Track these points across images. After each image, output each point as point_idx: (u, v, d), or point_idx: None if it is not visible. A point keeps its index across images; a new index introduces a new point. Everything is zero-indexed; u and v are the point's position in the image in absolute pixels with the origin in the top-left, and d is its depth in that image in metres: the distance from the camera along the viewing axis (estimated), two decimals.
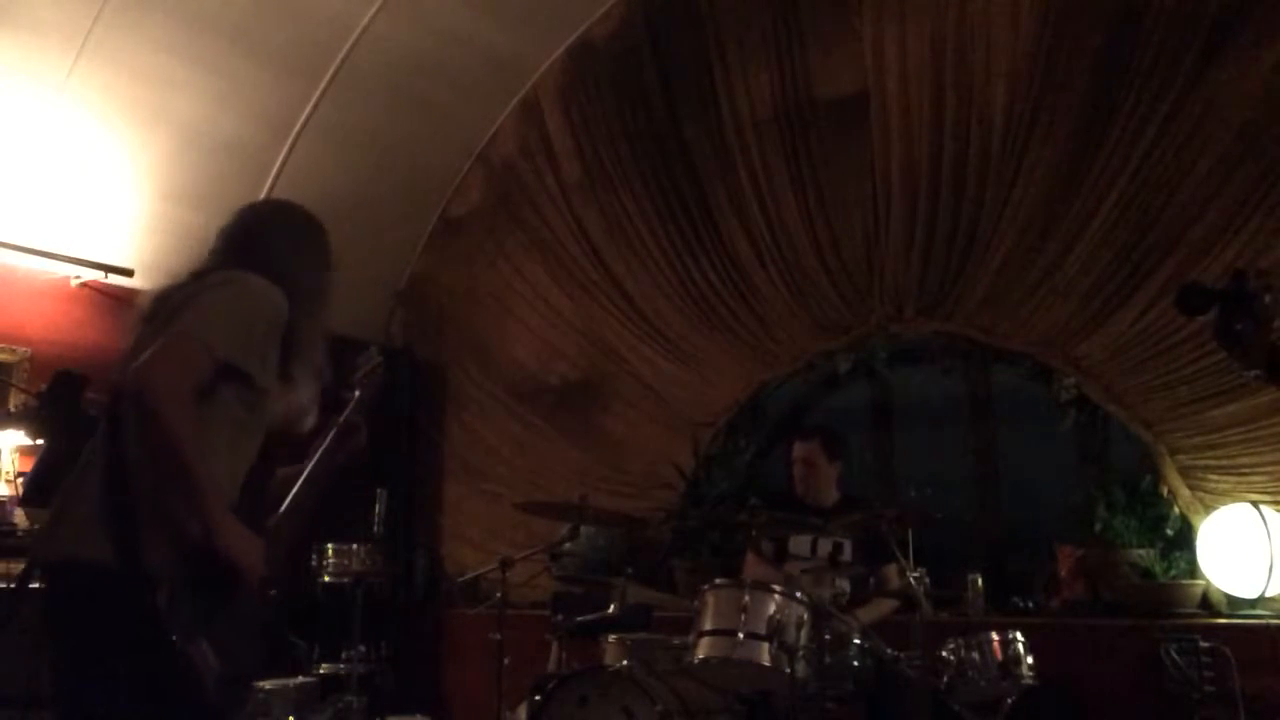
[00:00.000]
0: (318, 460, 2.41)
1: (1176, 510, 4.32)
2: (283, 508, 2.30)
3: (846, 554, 3.98)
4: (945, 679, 3.38)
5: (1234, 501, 4.12)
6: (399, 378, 6.25)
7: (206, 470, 1.99)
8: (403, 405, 6.26)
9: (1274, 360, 1.88)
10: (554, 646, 4.02)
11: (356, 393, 2.58)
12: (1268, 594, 3.97)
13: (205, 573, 1.97)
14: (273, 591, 2.22)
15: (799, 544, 4.04)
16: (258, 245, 2.35)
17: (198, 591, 1.97)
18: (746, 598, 3.32)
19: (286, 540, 2.28)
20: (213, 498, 1.98)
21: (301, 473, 2.39)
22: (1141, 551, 4.28)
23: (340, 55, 5.48)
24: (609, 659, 3.71)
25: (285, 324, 2.23)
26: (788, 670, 3.19)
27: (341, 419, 2.51)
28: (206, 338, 2.05)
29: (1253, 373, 1.90)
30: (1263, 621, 3.92)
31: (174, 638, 1.92)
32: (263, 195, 5.63)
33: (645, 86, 5.80)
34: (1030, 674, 3.41)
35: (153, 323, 2.18)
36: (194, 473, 1.95)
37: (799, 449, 4.23)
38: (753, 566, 4.16)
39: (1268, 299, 1.85)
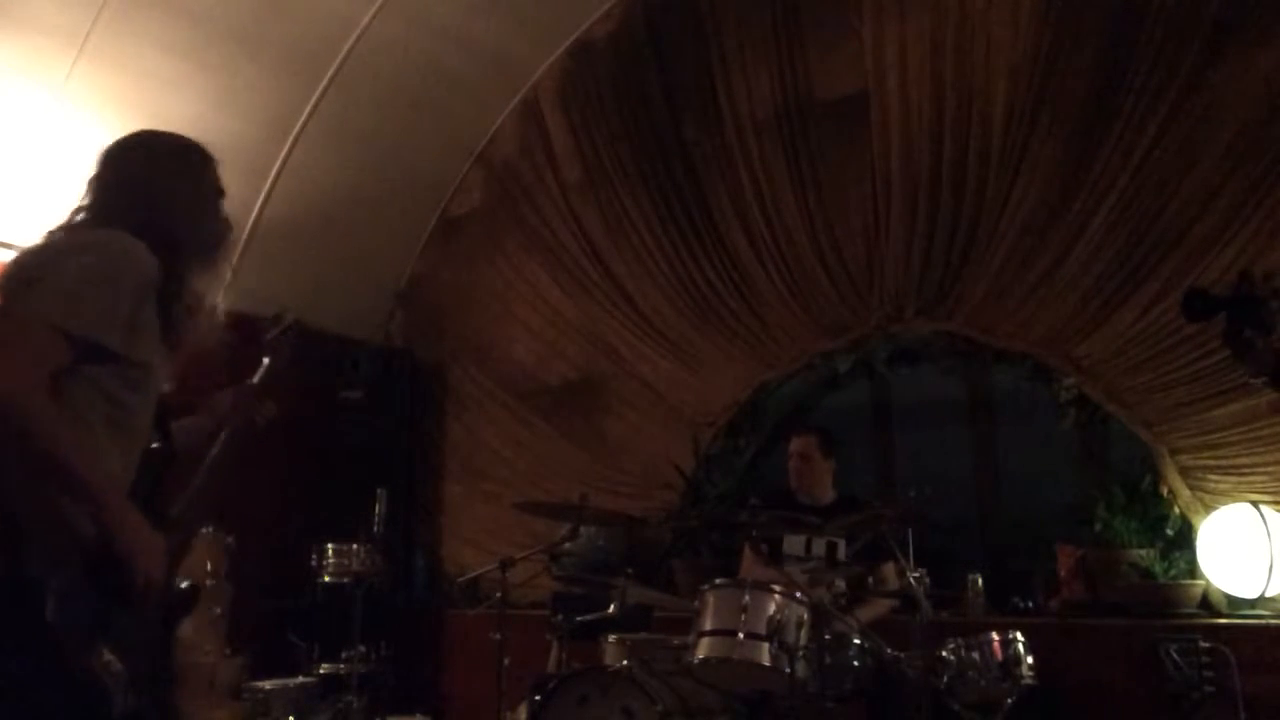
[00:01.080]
0: (224, 439, 2.24)
1: (1176, 510, 4.32)
2: (186, 492, 2.14)
3: (842, 554, 3.99)
4: (945, 679, 3.38)
5: (1234, 501, 4.12)
6: (399, 378, 6.26)
7: (90, 461, 1.80)
8: (403, 405, 6.26)
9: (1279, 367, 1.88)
10: (554, 646, 4.02)
11: (265, 359, 2.40)
12: (1268, 594, 3.96)
13: (99, 573, 1.79)
14: (187, 584, 2.11)
15: (793, 544, 4.05)
16: (124, 194, 2.05)
17: (91, 595, 1.79)
18: (746, 598, 3.32)
19: (191, 525, 2.15)
20: (103, 491, 1.80)
21: (191, 435, 2.21)
22: (1141, 551, 4.28)
23: (340, 55, 5.48)
24: (609, 659, 3.71)
25: (158, 284, 1.95)
26: (788, 670, 3.19)
27: (247, 386, 2.33)
28: (55, 316, 1.80)
29: (1260, 379, 1.90)
30: (1263, 621, 3.92)
31: (69, 649, 1.74)
32: (262, 195, 5.65)
33: (645, 86, 5.80)
34: (1030, 674, 3.41)
35: (4, 295, 1.94)
36: (72, 468, 1.76)
37: (795, 443, 4.28)
38: (750, 566, 4.17)
39: (1274, 305, 1.85)
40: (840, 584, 3.87)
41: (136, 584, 1.80)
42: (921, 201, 4.94)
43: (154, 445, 2.04)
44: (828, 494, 4.23)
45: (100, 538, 1.77)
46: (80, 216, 2.05)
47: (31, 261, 1.96)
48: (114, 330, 1.86)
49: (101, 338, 1.84)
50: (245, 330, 2.39)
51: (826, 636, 3.33)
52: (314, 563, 4.99)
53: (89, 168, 2.09)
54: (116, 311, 1.86)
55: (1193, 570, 4.20)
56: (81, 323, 1.82)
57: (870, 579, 4.01)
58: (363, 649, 4.79)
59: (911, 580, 3.49)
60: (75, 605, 1.76)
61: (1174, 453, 4.34)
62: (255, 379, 2.33)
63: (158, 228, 2.00)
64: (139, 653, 1.87)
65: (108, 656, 1.80)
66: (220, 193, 2.22)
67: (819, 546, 4.00)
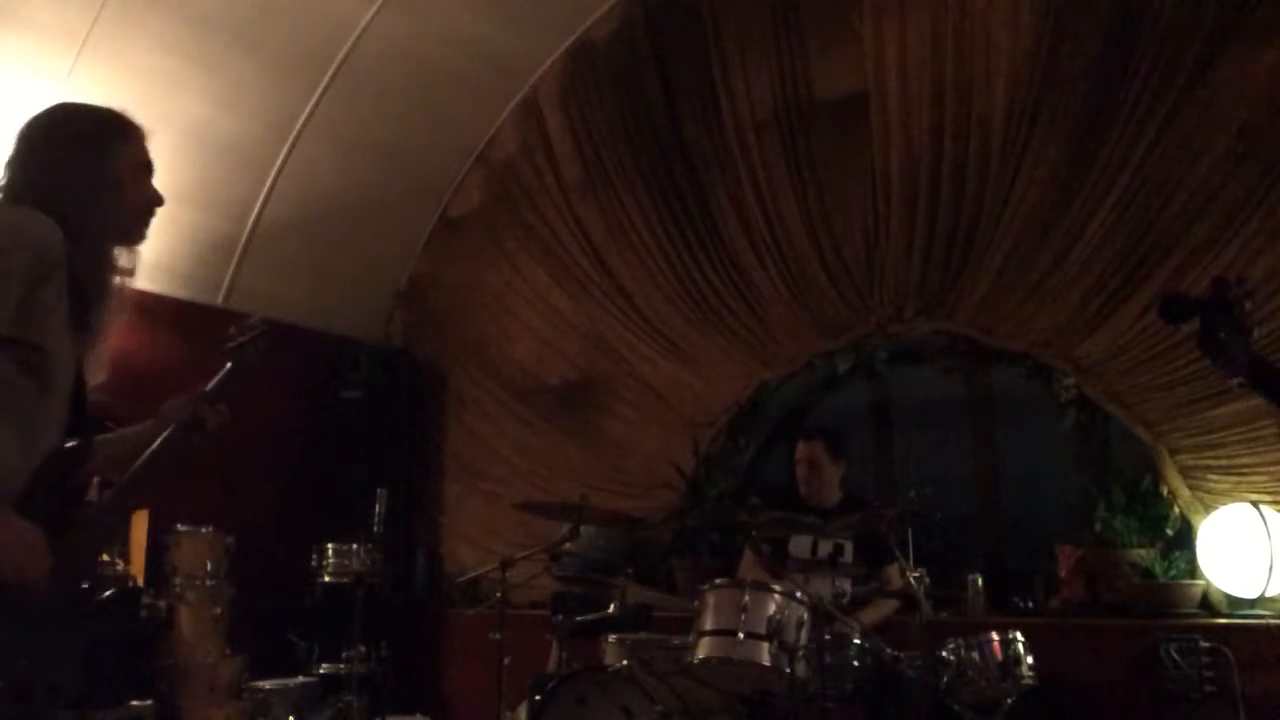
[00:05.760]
0: (163, 440, 2.05)
1: (1176, 510, 4.32)
2: (113, 489, 1.98)
3: (847, 555, 3.99)
4: (945, 679, 3.38)
5: (1234, 501, 4.13)
6: (399, 378, 6.27)
7: None
8: (403, 405, 6.27)
9: (1255, 368, 1.90)
10: (554, 646, 4.02)
11: (227, 365, 2.21)
12: (1268, 594, 3.97)
13: None
14: (86, 584, 1.94)
15: (799, 545, 4.04)
16: (34, 171, 1.93)
17: None
18: (746, 598, 3.32)
19: (105, 529, 1.97)
20: None
21: (137, 441, 2.04)
22: (1141, 551, 4.28)
23: (340, 55, 5.48)
24: (609, 659, 3.71)
25: (61, 262, 1.83)
26: (788, 670, 3.19)
27: (200, 391, 2.13)
28: None
29: (1235, 380, 1.92)
30: (1263, 621, 3.92)
31: None
32: (262, 195, 5.65)
33: (645, 86, 5.80)
34: (1030, 674, 3.41)
35: None
36: None
37: (802, 449, 4.23)
38: (749, 568, 4.16)
39: (1248, 307, 1.88)
40: (843, 584, 3.88)
41: (23, 584, 1.69)
42: (921, 201, 4.94)
43: (69, 444, 1.91)
44: (835, 495, 4.22)
45: None
46: None
47: None
48: None
49: None
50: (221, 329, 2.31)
51: (826, 636, 3.33)
52: (314, 563, 5.00)
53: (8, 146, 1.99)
54: (2, 291, 1.74)
55: (1193, 570, 4.20)
56: None
57: (874, 582, 4.01)
58: (363, 649, 4.79)
59: (912, 580, 3.49)
60: None
61: (1174, 453, 4.35)
62: (210, 385, 2.16)
63: (66, 205, 1.88)
64: (26, 664, 1.73)
65: None
66: (145, 167, 2.12)
67: (825, 548, 4.00)
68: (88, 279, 1.89)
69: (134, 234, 2.06)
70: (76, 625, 1.87)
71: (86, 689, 1.96)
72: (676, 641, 3.58)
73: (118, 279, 2.00)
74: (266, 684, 4.60)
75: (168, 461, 2.05)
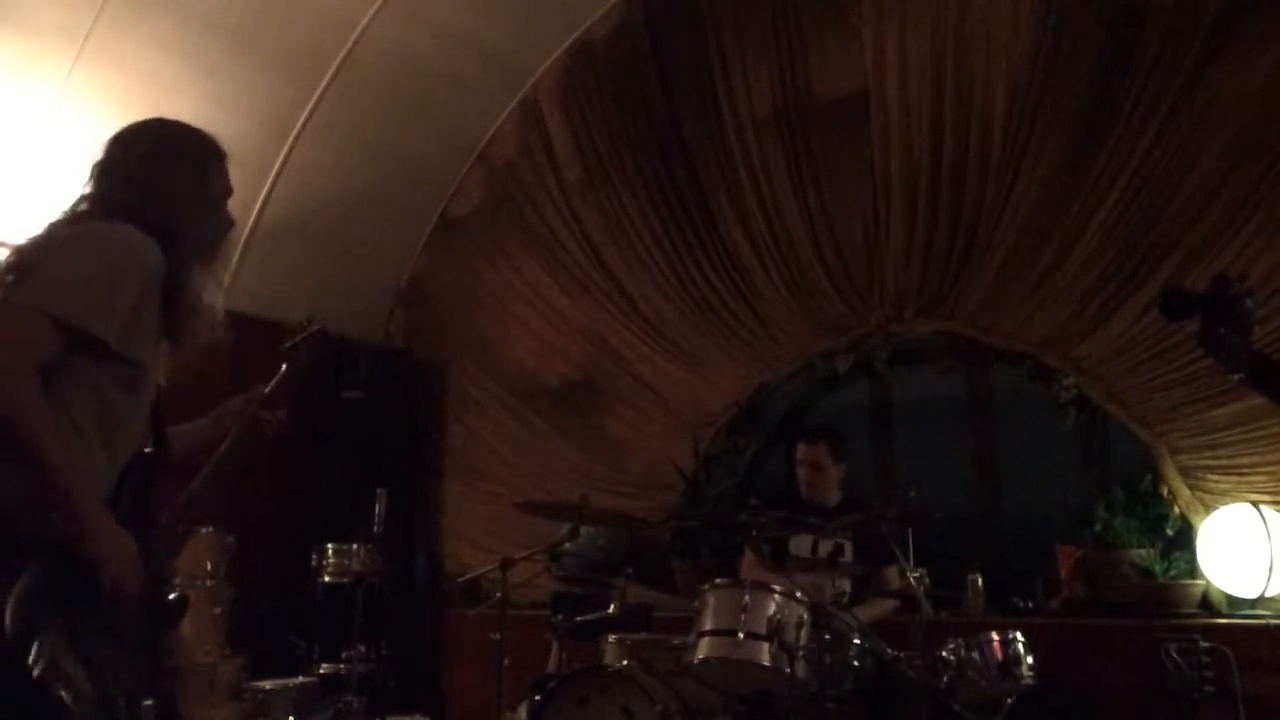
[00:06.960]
0: (224, 451, 2.15)
1: (1176, 510, 4.32)
2: (182, 498, 2.06)
3: (847, 555, 3.99)
4: (945, 679, 3.38)
5: (1234, 501, 4.12)
6: (399, 378, 6.27)
7: (67, 458, 1.73)
8: (403, 405, 6.26)
9: (1256, 364, 1.90)
10: (554, 646, 4.02)
11: (283, 366, 2.31)
12: (1268, 594, 3.97)
13: (64, 581, 1.70)
14: (177, 594, 2.01)
15: (799, 544, 4.05)
16: (128, 184, 1.99)
17: (55, 604, 1.69)
18: (746, 598, 3.32)
19: (182, 535, 2.06)
20: (74, 491, 1.72)
21: (196, 435, 2.13)
22: (1141, 551, 4.28)
23: (340, 55, 5.48)
24: (609, 659, 3.71)
25: (161, 278, 1.91)
26: (788, 670, 3.19)
27: (263, 391, 2.23)
28: (49, 305, 1.77)
29: (1236, 376, 1.91)
30: (1263, 621, 3.92)
31: (29, 664, 1.62)
32: (262, 195, 5.65)
33: (645, 86, 5.80)
34: (1030, 674, 3.41)
35: (3, 284, 1.90)
36: (48, 463, 1.69)
37: (804, 451, 4.24)
38: (749, 568, 4.17)
39: (1249, 303, 1.87)
40: (843, 584, 3.88)
41: (104, 589, 1.73)
42: (921, 201, 4.94)
43: (147, 450, 1.98)
44: (835, 496, 4.23)
45: (68, 542, 1.70)
46: (83, 206, 2.00)
47: (30, 251, 1.93)
48: (109, 323, 1.82)
49: (94, 328, 1.80)
50: (266, 335, 2.36)
51: (826, 636, 3.33)
52: (314, 563, 4.99)
53: (96, 151, 2.05)
54: (113, 305, 1.83)
55: (1193, 570, 4.20)
56: (73, 311, 1.79)
57: (872, 582, 4.01)
58: (363, 649, 4.79)
59: (912, 580, 3.49)
60: (36, 610, 1.66)
61: (1174, 453, 4.35)
62: (268, 386, 2.26)
63: (161, 222, 1.95)
64: (111, 668, 1.76)
65: (73, 671, 1.67)
66: (228, 191, 2.18)
67: (825, 548, 4.00)
68: (179, 294, 1.97)
69: (215, 254, 2.16)
70: (151, 631, 1.95)
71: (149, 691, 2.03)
72: (676, 641, 3.59)
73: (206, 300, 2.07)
74: (266, 684, 4.59)
75: (230, 471, 2.13)
